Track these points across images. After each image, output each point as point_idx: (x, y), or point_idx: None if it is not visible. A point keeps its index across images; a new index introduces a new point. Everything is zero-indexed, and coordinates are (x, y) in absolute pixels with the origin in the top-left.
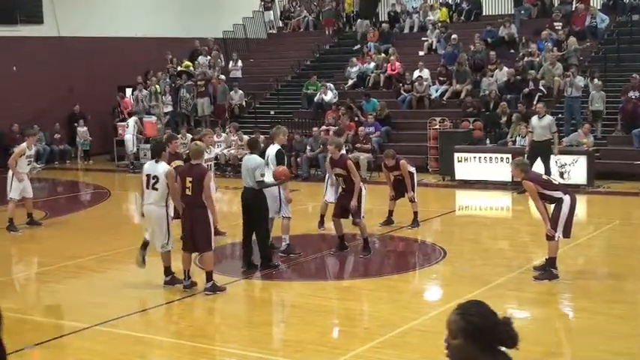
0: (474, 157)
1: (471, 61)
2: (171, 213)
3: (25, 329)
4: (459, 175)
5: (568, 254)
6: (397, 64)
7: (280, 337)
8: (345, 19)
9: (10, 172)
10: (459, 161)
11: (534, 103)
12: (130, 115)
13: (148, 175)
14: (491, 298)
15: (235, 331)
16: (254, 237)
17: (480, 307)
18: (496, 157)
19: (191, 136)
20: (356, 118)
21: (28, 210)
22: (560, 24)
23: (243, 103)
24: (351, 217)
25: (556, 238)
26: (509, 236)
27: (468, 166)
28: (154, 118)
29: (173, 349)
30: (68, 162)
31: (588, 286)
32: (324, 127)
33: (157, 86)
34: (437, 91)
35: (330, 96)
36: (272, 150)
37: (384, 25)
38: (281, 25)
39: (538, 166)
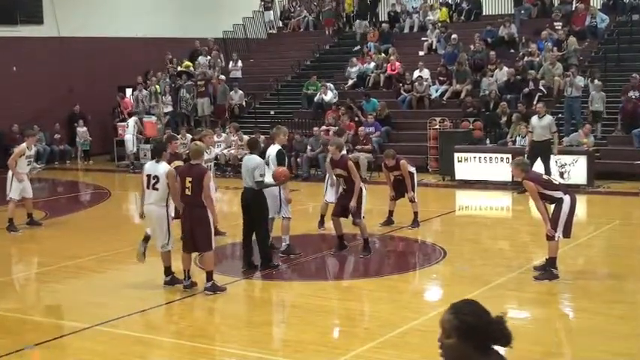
0: (474, 157)
1: (470, 61)
2: (172, 213)
3: (25, 329)
4: (459, 175)
5: (568, 254)
6: (397, 64)
7: (280, 337)
8: (345, 19)
9: (10, 173)
10: (459, 161)
11: (534, 103)
12: (130, 115)
13: (148, 175)
14: (492, 298)
15: (235, 331)
16: (254, 237)
17: (473, 306)
18: (496, 157)
19: (191, 137)
20: (356, 118)
21: (28, 210)
22: (560, 24)
23: (243, 103)
24: (351, 217)
25: (556, 238)
26: (509, 236)
27: (468, 166)
28: (154, 119)
29: (173, 349)
30: (68, 162)
31: (588, 287)
32: (324, 127)
33: (157, 86)
34: (437, 91)
35: (330, 96)
36: (272, 150)
37: (384, 25)
38: (281, 25)
39: (538, 166)
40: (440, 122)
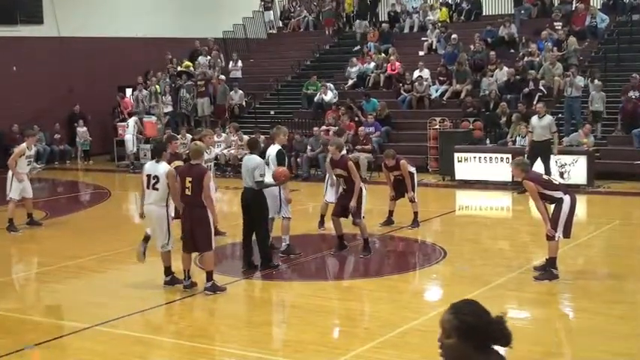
0: (474, 157)
1: (471, 61)
2: (172, 213)
3: (25, 329)
4: (459, 175)
5: (568, 254)
6: (397, 64)
7: (280, 337)
8: (345, 19)
9: (10, 173)
10: (459, 161)
11: (534, 103)
12: (130, 115)
13: (148, 175)
14: (492, 299)
15: (235, 331)
16: (254, 237)
17: (473, 306)
18: (496, 157)
19: (191, 137)
20: (356, 118)
21: (28, 210)
22: (560, 24)
23: (243, 103)
24: (351, 217)
25: (556, 238)
26: (509, 236)
27: (468, 166)
28: (154, 119)
29: (173, 349)
30: (68, 162)
31: (588, 287)
32: (324, 127)
33: (157, 86)
34: (437, 91)
35: (330, 96)
36: (273, 150)
37: (384, 25)
38: (281, 25)
39: (538, 166)
40: (440, 122)
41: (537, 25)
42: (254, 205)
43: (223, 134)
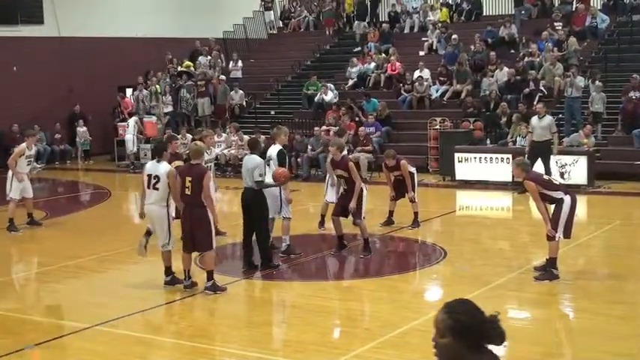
0: (475, 158)
1: (471, 62)
2: (173, 213)
3: (25, 329)
4: (459, 176)
5: (568, 254)
6: (397, 64)
7: (281, 337)
8: (345, 19)
9: (10, 173)
10: (459, 161)
11: (535, 103)
12: (131, 115)
13: (149, 175)
14: (492, 299)
15: (235, 332)
16: (254, 237)
17: (466, 305)
18: (496, 158)
19: (191, 137)
20: (356, 119)
21: (29, 210)
22: (561, 24)
23: (244, 103)
24: (351, 217)
25: (556, 239)
26: (509, 236)
27: (468, 166)
28: (154, 119)
29: (173, 349)
30: (68, 162)
31: (589, 287)
32: (324, 127)
33: (158, 86)
34: (437, 92)
35: (330, 96)
36: (273, 150)
37: (384, 25)
38: (281, 25)
39: (538, 167)
40: (440, 122)
41: (537, 25)
42: (254, 205)
43: (224, 134)
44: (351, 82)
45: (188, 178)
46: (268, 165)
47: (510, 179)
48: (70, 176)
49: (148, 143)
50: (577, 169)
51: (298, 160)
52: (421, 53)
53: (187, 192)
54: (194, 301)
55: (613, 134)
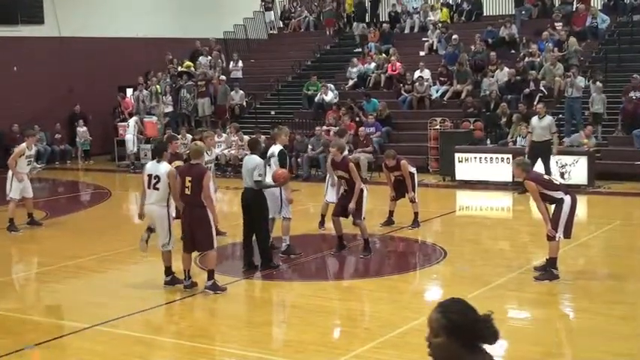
0: (475, 158)
1: (471, 62)
2: (173, 213)
3: (26, 329)
4: (459, 176)
5: (569, 255)
6: (398, 64)
7: (281, 337)
8: (345, 19)
9: (10, 173)
10: (459, 161)
11: (535, 103)
12: (131, 115)
13: (149, 175)
14: (492, 299)
15: (236, 332)
16: (254, 237)
17: (460, 304)
18: (497, 158)
19: (191, 137)
20: (357, 119)
21: (29, 210)
22: (561, 24)
23: (244, 104)
24: (351, 217)
25: (557, 239)
26: (509, 237)
27: (468, 166)
28: (154, 119)
29: (173, 349)
30: (69, 162)
31: (589, 287)
32: (324, 128)
33: (158, 86)
34: (437, 92)
35: (330, 96)
36: (274, 150)
37: (384, 25)
38: (281, 25)
39: (538, 167)
40: (440, 122)
41: (538, 25)
42: (254, 205)
43: (224, 134)
44: (351, 83)
45: (188, 178)
46: (269, 165)
47: (510, 179)
48: (70, 176)
49: (148, 143)
50: (577, 169)
51: (298, 160)
52: (421, 53)
53: (187, 192)
54: (194, 301)
55: (613, 134)
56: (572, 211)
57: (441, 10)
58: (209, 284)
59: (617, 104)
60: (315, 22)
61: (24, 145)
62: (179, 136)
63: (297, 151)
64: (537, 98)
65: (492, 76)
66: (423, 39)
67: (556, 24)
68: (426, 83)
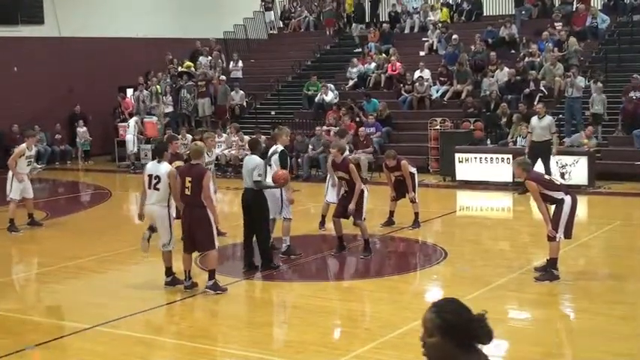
0: (475, 158)
1: (471, 62)
2: (174, 213)
3: (26, 330)
4: (459, 176)
5: (569, 255)
6: (398, 64)
7: (281, 337)
8: (345, 19)
9: (10, 173)
10: (459, 162)
11: (535, 103)
12: (131, 115)
13: (149, 176)
14: (492, 299)
15: (236, 332)
16: (255, 238)
17: (454, 304)
18: (497, 158)
19: (191, 137)
20: (357, 119)
21: (29, 210)
22: (561, 24)
23: (244, 104)
24: (351, 217)
25: (557, 239)
26: (509, 237)
27: (468, 166)
28: (154, 119)
29: (174, 349)
30: (69, 162)
31: (589, 287)
32: (325, 128)
33: (158, 87)
34: (437, 92)
35: (330, 96)
36: (275, 151)
37: (384, 25)
38: (282, 25)
39: (538, 167)
40: (440, 123)
41: (538, 25)
42: (254, 205)
43: (224, 135)
44: (351, 83)
45: (188, 179)
46: (269, 166)
47: (511, 179)
48: (71, 177)
49: (149, 144)
50: (577, 170)
51: (299, 160)
52: (421, 53)
53: (187, 192)
54: (195, 302)
55: (613, 134)
56: (573, 212)
57: (441, 10)
58: (210, 284)
59: (618, 104)
60: (315, 22)
61: (24, 145)
62: (179, 137)
63: (298, 152)
64: (537, 98)
65: (492, 76)
66: (423, 39)
67: (556, 24)
68: (426, 83)
